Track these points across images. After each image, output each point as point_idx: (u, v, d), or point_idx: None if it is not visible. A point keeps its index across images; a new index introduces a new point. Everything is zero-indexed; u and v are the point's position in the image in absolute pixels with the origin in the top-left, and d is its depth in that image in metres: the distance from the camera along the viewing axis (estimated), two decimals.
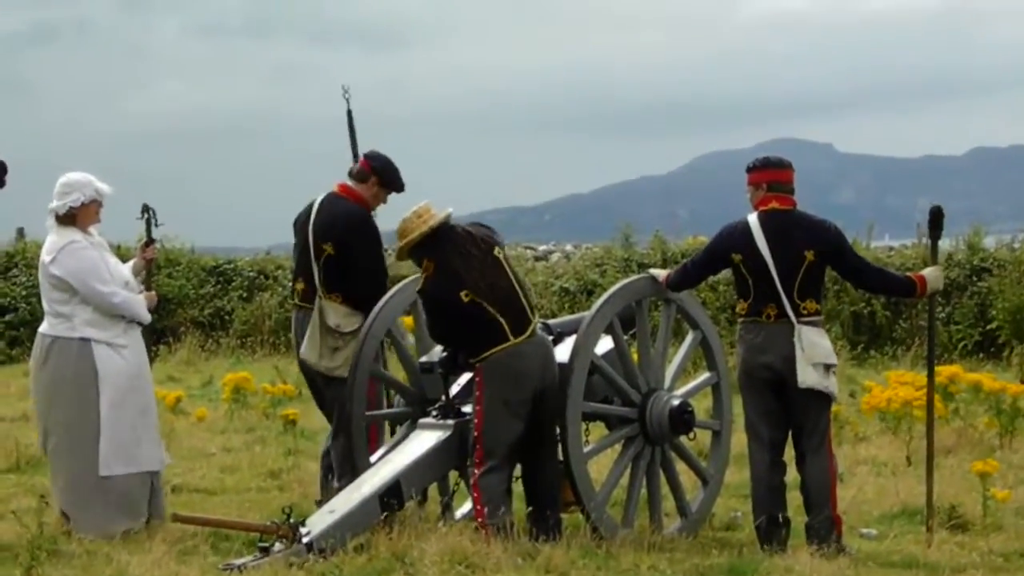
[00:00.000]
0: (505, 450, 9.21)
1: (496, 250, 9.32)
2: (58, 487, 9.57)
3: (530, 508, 9.40)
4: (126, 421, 9.54)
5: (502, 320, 9.19)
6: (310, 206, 10.23)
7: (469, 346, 9.32)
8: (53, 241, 9.65)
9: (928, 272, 9.47)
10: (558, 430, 9.31)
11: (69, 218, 9.62)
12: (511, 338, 9.18)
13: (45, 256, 9.66)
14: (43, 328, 9.75)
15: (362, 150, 10.57)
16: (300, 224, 10.27)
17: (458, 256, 9.22)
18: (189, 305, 25.27)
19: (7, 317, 24.76)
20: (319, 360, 9.98)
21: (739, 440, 11.08)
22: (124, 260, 10.19)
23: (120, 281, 9.67)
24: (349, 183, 10.23)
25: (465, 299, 9.18)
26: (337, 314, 9.98)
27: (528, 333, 9.24)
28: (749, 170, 9.46)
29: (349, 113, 11.04)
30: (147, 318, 9.76)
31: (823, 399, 9.24)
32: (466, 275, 9.18)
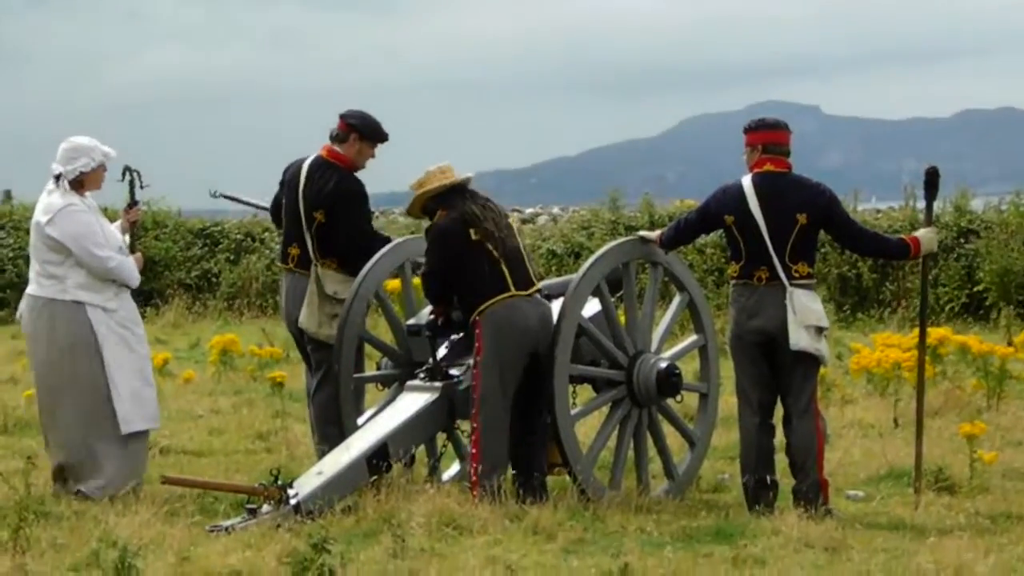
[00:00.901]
0: (506, 406, 9.26)
1: (510, 219, 9.60)
2: (62, 446, 9.53)
3: (516, 471, 9.44)
4: (132, 380, 9.57)
5: (505, 269, 9.26)
6: (298, 169, 10.21)
7: (469, 293, 9.36)
8: (50, 203, 9.61)
9: (922, 233, 9.45)
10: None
11: (77, 183, 9.60)
12: (512, 289, 9.23)
13: (41, 217, 9.61)
14: (32, 289, 9.72)
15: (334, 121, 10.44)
16: (288, 187, 10.26)
17: (476, 205, 9.39)
18: (176, 267, 25.23)
19: None
20: (319, 328, 9.98)
21: (726, 403, 11.11)
22: (112, 223, 10.16)
23: (115, 245, 9.67)
24: (333, 146, 10.20)
25: (474, 236, 9.30)
26: (334, 281, 10.00)
27: (529, 292, 9.32)
28: (746, 131, 9.44)
29: (233, 199, 11.09)
30: (137, 281, 9.76)
31: (812, 362, 9.24)
32: (478, 219, 9.34)
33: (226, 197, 11.13)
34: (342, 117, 10.23)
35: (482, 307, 9.30)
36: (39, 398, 9.82)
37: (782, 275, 9.16)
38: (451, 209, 9.39)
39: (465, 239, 9.33)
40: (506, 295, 9.29)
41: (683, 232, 9.72)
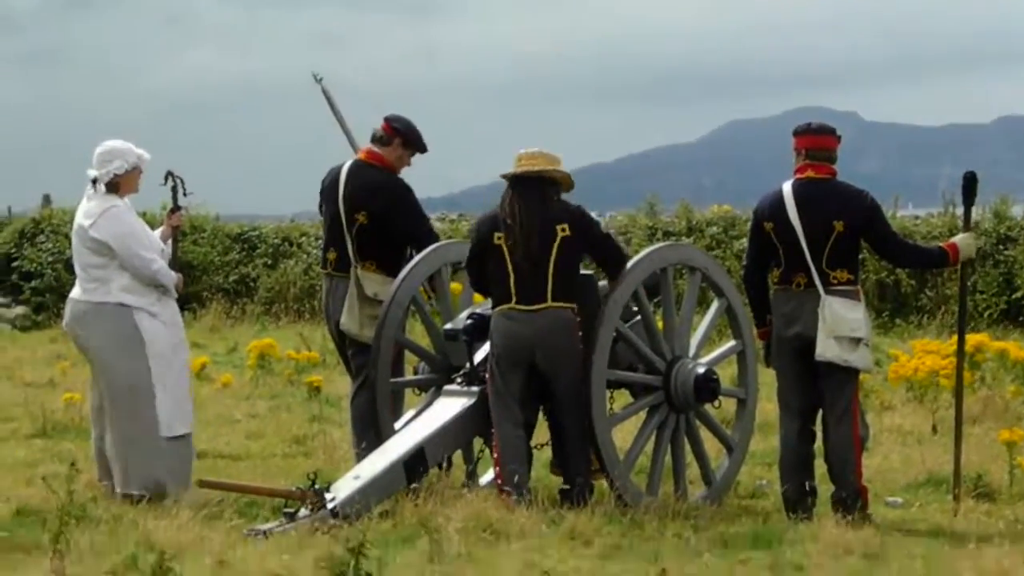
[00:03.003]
0: (508, 408, 9.30)
1: (560, 227, 9.27)
2: (114, 448, 9.56)
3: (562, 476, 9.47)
4: (176, 382, 9.62)
5: (512, 280, 9.26)
6: (336, 174, 10.28)
7: (485, 291, 9.56)
8: (92, 206, 9.66)
9: (960, 239, 9.40)
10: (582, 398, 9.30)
11: (113, 186, 9.65)
12: (513, 300, 9.26)
13: (84, 220, 9.65)
14: (75, 294, 9.76)
15: (371, 123, 10.53)
16: (328, 192, 10.33)
17: (521, 206, 9.30)
18: (214, 272, 25.31)
19: (33, 283, 24.85)
20: (360, 330, 10.03)
21: (764, 408, 11.08)
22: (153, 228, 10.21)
23: (156, 249, 9.73)
24: (374, 148, 10.27)
25: (495, 241, 9.32)
26: (374, 283, 10.05)
27: (534, 307, 9.24)
28: (793, 134, 9.39)
29: (328, 98, 11.06)
30: (175, 292, 9.80)
31: (847, 371, 9.16)
32: (510, 223, 9.28)
33: (326, 94, 11.07)
34: (387, 120, 10.31)
35: (492, 310, 9.41)
36: (94, 398, 9.86)
37: (818, 282, 9.12)
38: (506, 198, 9.39)
39: (488, 239, 9.38)
40: (506, 306, 9.30)
41: (747, 261, 9.61)
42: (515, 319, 9.26)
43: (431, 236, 10.26)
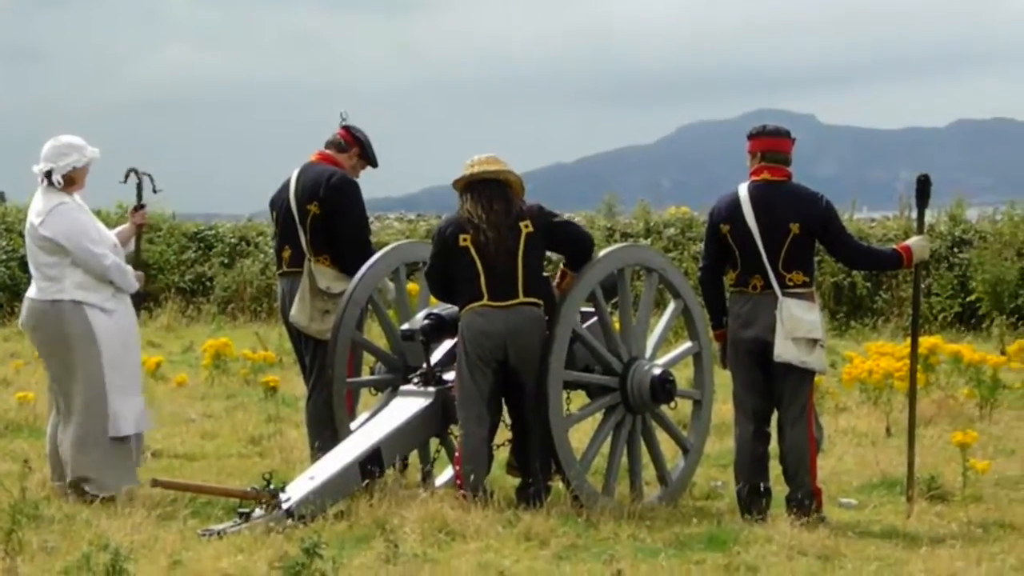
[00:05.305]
0: (475, 408, 9.30)
1: (524, 224, 9.33)
2: (68, 448, 9.50)
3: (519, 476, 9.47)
4: (126, 383, 9.56)
5: (483, 279, 9.24)
6: (287, 180, 10.34)
7: (455, 295, 9.47)
8: (41, 203, 9.61)
9: (913, 242, 9.45)
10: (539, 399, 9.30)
11: (68, 180, 9.61)
12: (484, 298, 9.25)
13: (34, 218, 9.61)
14: (31, 293, 9.71)
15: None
16: (279, 194, 10.40)
17: (482, 207, 9.32)
18: (170, 271, 25.19)
19: None
20: (309, 323, 10.04)
21: (719, 410, 11.11)
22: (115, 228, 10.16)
23: (108, 244, 9.67)
24: (327, 151, 10.36)
25: (462, 242, 9.30)
26: (326, 277, 10.06)
27: (506, 303, 9.25)
28: (748, 137, 9.42)
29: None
30: (133, 287, 9.75)
31: (803, 372, 9.20)
32: (474, 224, 9.30)
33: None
34: (346, 128, 10.43)
35: (461, 311, 9.37)
36: (50, 396, 9.80)
37: (775, 284, 9.15)
38: (466, 203, 9.41)
39: (454, 242, 9.36)
40: (478, 303, 9.30)
41: (704, 263, 9.61)
42: (487, 316, 9.26)
43: (367, 247, 10.17)
